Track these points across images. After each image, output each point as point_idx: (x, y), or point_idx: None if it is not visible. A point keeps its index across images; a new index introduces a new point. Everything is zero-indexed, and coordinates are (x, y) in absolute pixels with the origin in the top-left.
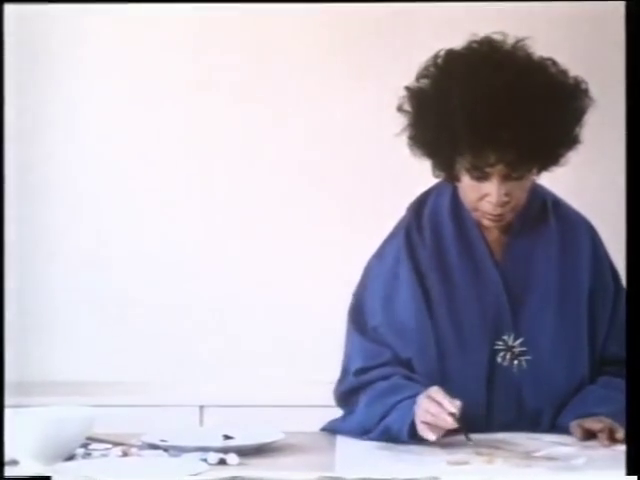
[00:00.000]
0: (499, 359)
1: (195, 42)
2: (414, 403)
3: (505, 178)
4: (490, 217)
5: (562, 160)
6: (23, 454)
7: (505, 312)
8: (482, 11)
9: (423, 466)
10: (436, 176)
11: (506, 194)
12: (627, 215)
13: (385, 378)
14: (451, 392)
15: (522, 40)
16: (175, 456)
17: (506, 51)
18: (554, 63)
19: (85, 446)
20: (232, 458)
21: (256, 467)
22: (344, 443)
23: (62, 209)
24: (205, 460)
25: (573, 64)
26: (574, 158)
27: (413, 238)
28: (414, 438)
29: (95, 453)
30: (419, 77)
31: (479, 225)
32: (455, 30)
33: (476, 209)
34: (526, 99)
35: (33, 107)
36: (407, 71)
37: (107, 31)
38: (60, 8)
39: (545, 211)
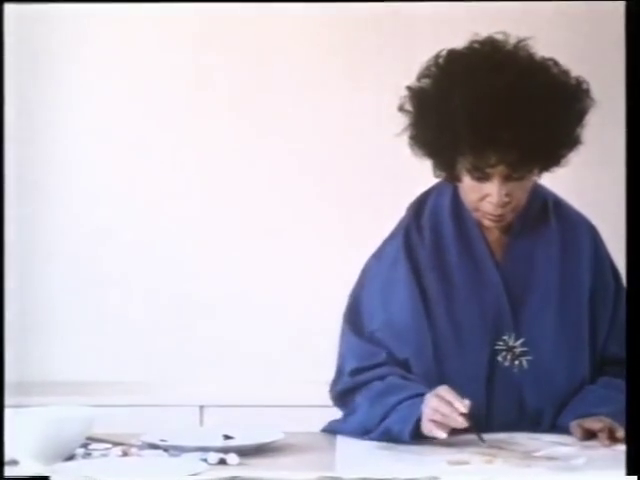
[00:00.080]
0: (499, 359)
1: (195, 42)
2: (415, 404)
3: (506, 178)
4: (491, 217)
5: (563, 161)
6: (23, 454)
7: (505, 312)
8: (482, 11)
9: (423, 466)
10: (437, 176)
11: (507, 194)
12: (627, 215)
13: (381, 378)
14: None
15: (524, 40)
16: (175, 456)
17: (508, 51)
18: (556, 63)
19: (85, 446)
20: (232, 458)
21: (256, 467)
22: (344, 443)
23: (62, 209)
24: (205, 460)
25: (573, 64)
26: (574, 158)
27: (412, 238)
28: (417, 438)
29: (95, 453)
30: (420, 77)
31: (479, 225)
32: (456, 30)
33: (477, 209)
34: (527, 99)
35: (33, 107)
36: (408, 71)
37: (107, 31)
38: (60, 8)
39: (546, 211)
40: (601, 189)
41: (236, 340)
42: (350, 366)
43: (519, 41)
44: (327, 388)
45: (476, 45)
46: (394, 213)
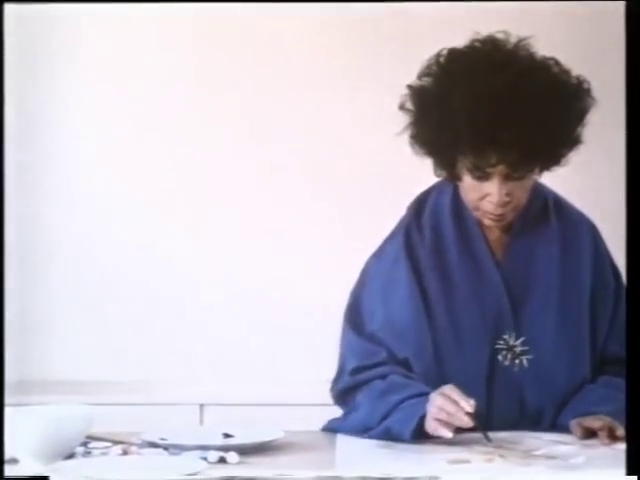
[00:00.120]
0: (500, 358)
1: (194, 42)
2: (418, 403)
3: (506, 178)
4: (491, 217)
5: (563, 160)
6: (23, 453)
7: (506, 311)
8: (483, 10)
9: (423, 465)
10: (437, 175)
11: (507, 194)
12: (627, 214)
13: (382, 377)
14: None
15: (524, 39)
16: (175, 454)
17: (508, 50)
18: (557, 63)
19: (85, 445)
20: (232, 457)
21: (256, 466)
22: (344, 442)
23: (62, 209)
24: (205, 459)
25: (573, 63)
26: (574, 157)
27: (413, 237)
28: (419, 438)
29: (95, 452)
30: (421, 75)
31: (480, 224)
32: (457, 29)
33: (477, 209)
34: (528, 99)
35: (33, 107)
36: (409, 70)
37: (107, 31)
38: (60, 8)
39: (546, 210)
40: (601, 188)
41: (236, 339)
42: (351, 365)
43: (520, 40)
44: (327, 387)
45: (477, 44)
46: (394, 212)
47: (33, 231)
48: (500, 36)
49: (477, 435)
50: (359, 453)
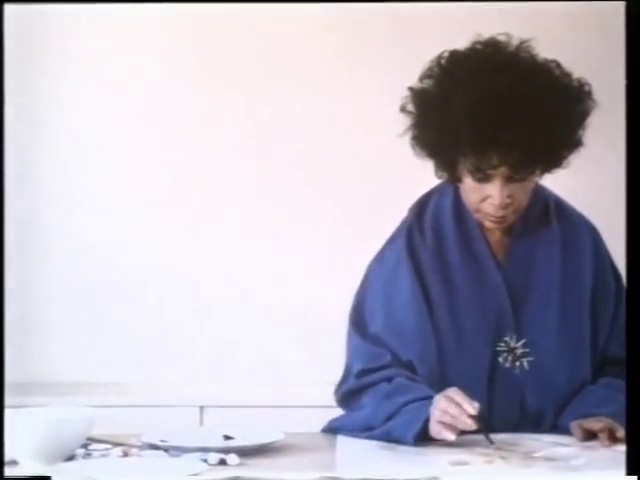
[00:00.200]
0: (501, 360)
1: (195, 42)
2: (422, 406)
3: (507, 180)
4: (492, 219)
5: (564, 162)
6: (23, 454)
7: (507, 313)
8: (483, 12)
9: (424, 466)
10: (439, 177)
11: (508, 196)
12: (627, 216)
13: (388, 380)
14: None
15: (526, 41)
16: (175, 456)
17: (510, 52)
18: (558, 65)
19: (85, 446)
20: (232, 458)
21: (256, 467)
22: (344, 443)
23: (61, 210)
24: (205, 460)
25: (573, 65)
26: (575, 159)
27: (414, 239)
28: (422, 441)
29: (95, 453)
30: (422, 78)
31: (481, 226)
32: (458, 31)
33: (478, 210)
34: (529, 101)
35: (33, 107)
36: (410, 72)
37: (107, 31)
38: (60, 8)
39: (547, 212)
40: (602, 190)
41: (236, 340)
42: (356, 367)
43: (521, 42)
44: (328, 388)
45: (478, 46)
46: (396, 214)
47: (33, 231)
48: (501, 38)
49: (478, 437)
50: (359, 455)
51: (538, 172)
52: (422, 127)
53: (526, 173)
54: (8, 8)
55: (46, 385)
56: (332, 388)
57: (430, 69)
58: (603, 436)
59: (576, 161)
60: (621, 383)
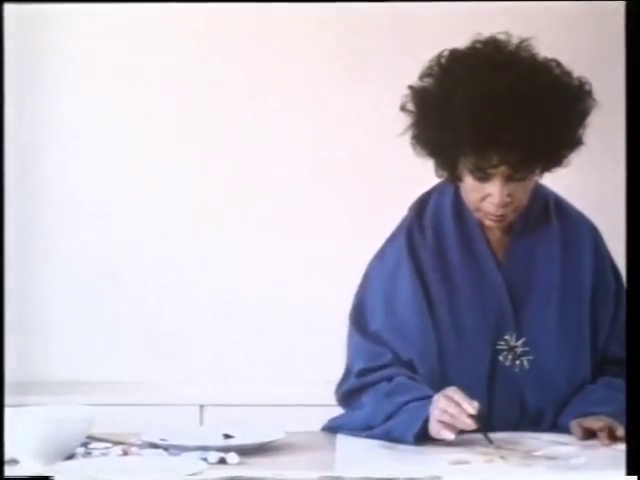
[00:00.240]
0: (501, 359)
1: (196, 43)
2: (422, 406)
3: (508, 179)
4: (492, 218)
5: (565, 161)
6: (23, 453)
7: (507, 312)
8: (483, 11)
9: (424, 465)
10: (439, 176)
11: (508, 195)
12: (627, 215)
13: (388, 379)
14: None
15: (526, 40)
16: (175, 455)
17: (510, 51)
18: (558, 64)
19: (85, 445)
20: (232, 457)
21: (256, 466)
22: (344, 442)
23: (61, 209)
24: (205, 459)
25: (572, 64)
26: (575, 158)
27: (415, 238)
28: (422, 441)
29: (95, 452)
30: (422, 76)
31: (481, 225)
32: (458, 30)
33: (478, 209)
34: (530, 100)
35: (33, 107)
36: (410, 71)
37: (107, 31)
38: (60, 8)
39: (547, 211)
40: (602, 189)
41: (236, 340)
42: (357, 367)
43: (521, 41)
44: (328, 387)
45: (478, 45)
46: (396, 213)
47: (33, 231)
48: (502, 37)
49: (478, 436)
50: (359, 453)
51: (538, 171)
52: (422, 126)
53: (526, 172)
54: (8, 8)
55: (46, 384)
56: (332, 387)
57: (430, 68)
58: (603, 435)
59: (576, 160)
60: (621, 382)
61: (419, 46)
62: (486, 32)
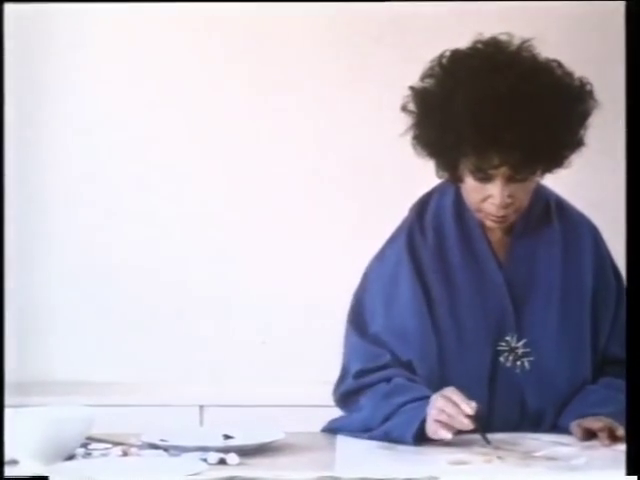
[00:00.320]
0: (502, 360)
1: (197, 43)
2: (420, 406)
3: (509, 180)
4: (493, 218)
5: (566, 162)
6: (23, 454)
7: (508, 313)
8: (483, 11)
9: (423, 466)
10: (440, 176)
11: (509, 196)
12: (627, 215)
13: (386, 380)
14: None
15: (528, 41)
16: (175, 456)
17: (511, 52)
18: (560, 65)
19: (85, 446)
20: (232, 458)
21: (256, 467)
22: (344, 443)
23: (61, 209)
24: (205, 460)
25: (572, 64)
26: (576, 159)
27: (415, 239)
28: (420, 441)
29: (95, 453)
30: (424, 77)
31: (482, 226)
32: (459, 30)
33: (479, 210)
34: (531, 101)
35: (33, 107)
36: (411, 71)
37: (107, 30)
38: (60, 7)
39: (548, 212)
40: (603, 190)
41: (236, 340)
42: (354, 368)
43: (523, 42)
44: (328, 388)
45: (480, 45)
46: (397, 213)
47: (33, 231)
48: (503, 38)
49: (477, 436)
50: (359, 454)
51: (539, 172)
52: (423, 127)
53: (527, 173)
54: (8, 8)
55: (46, 384)
56: (332, 388)
57: (431, 68)
58: (603, 435)
59: (577, 161)
60: (622, 383)
61: (420, 46)
62: (487, 32)
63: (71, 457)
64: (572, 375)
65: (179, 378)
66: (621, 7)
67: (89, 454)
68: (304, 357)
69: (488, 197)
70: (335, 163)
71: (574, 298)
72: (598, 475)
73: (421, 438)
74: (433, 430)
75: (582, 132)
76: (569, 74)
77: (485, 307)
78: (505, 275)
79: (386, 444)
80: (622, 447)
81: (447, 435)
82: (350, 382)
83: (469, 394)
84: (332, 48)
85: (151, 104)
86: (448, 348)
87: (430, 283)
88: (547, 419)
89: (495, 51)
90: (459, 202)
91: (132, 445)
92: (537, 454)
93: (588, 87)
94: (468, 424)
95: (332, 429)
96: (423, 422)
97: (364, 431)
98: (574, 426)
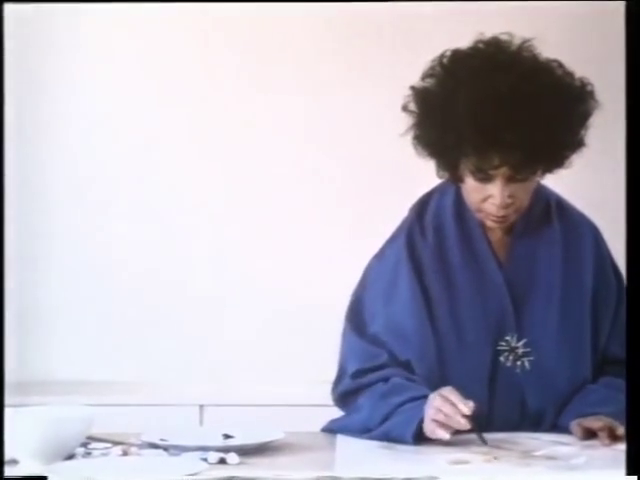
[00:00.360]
0: (502, 360)
1: (196, 43)
2: (419, 406)
3: (509, 180)
4: (494, 218)
5: (566, 162)
6: (23, 453)
7: (508, 313)
8: (483, 11)
9: (423, 465)
10: (440, 176)
11: (510, 196)
12: (627, 215)
13: (384, 380)
14: None
15: (528, 41)
16: (175, 455)
17: (512, 52)
18: (560, 65)
19: (85, 445)
20: (232, 457)
21: (256, 466)
22: (344, 442)
23: (61, 209)
24: (205, 459)
25: (572, 64)
26: (577, 159)
27: (415, 239)
28: (420, 440)
29: (95, 452)
30: (424, 76)
31: (482, 226)
32: (460, 30)
33: (479, 210)
34: (531, 101)
35: (33, 107)
36: (412, 71)
37: (107, 30)
38: (60, 7)
39: (549, 212)
40: (603, 190)
41: (236, 340)
42: (352, 368)
43: (524, 42)
44: (327, 387)
45: (481, 45)
46: (397, 213)
47: (33, 231)
48: (504, 37)
49: (476, 436)
50: (359, 454)
51: (540, 172)
52: (424, 127)
53: (528, 173)
54: (8, 8)
55: (46, 384)
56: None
57: (432, 68)
58: (603, 435)
59: (577, 161)
60: (622, 382)
61: (421, 46)
62: (488, 32)
63: (71, 457)
64: (572, 375)
65: (179, 378)
66: (621, 7)
67: (89, 454)
68: (304, 357)
69: (488, 197)
70: (335, 163)
71: (574, 298)
72: (598, 475)
73: (420, 437)
74: (431, 430)
75: (583, 132)
76: (570, 74)
77: (485, 307)
78: (505, 275)
79: (386, 444)
80: (622, 447)
81: (445, 435)
82: (348, 382)
83: (469, 394)
84: (332, 48)
85: (151, 104)
86: (448, 348)
87: (430, 283)
88: (547, 419)
89: (496, 51)
90: (459, 202)
91: (132, 445)
92: (537, 453)
93: (589, 87)
94: (465, 424)
95: (332, 430)
96: (422, 421)
97: (363, 432)
98: (574, 425)
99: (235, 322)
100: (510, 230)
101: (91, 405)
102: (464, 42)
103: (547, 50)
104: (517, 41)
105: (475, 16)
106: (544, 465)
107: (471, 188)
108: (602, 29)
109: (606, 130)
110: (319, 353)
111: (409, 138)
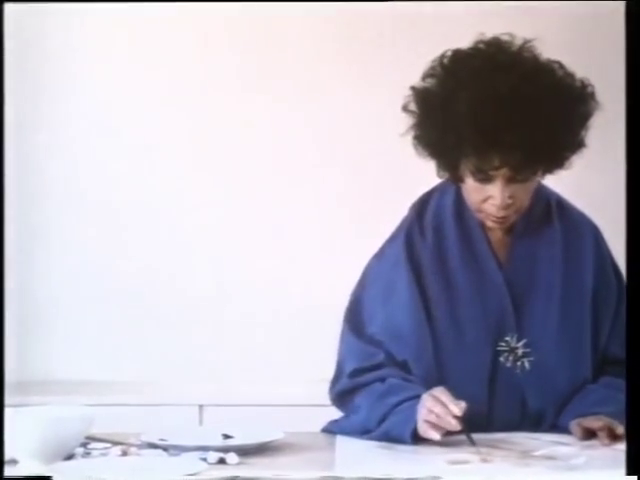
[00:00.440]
0: (502, 360)
1: (196, 43)
2: (413, 406)
3: (509, 181)
4: (494, 219)
5: (567, 163)
6: (23, 453)
7: (508, 313)
8: (484, 11)
9: (423, 465)
10: (440, 176)
11: (510, 197)
12: (627, 215)
13: (381, 380)
14: (452, 393)
15: (529, 41)
16: (175, 455)
17: (513, 52)
18: (561, 66)
19: (84, 445)
20: (232, 457)
21: (256, 466)
22: (344, 442)
23: (61, 209)
24: (205, 459)
25: (572, 64)
26: (577, 160)
27: (414, 238)
28: (418, 440)
29: (94, 452)
30: (425, 77)
31: (482, 226)
32: (460, 30)
33: (480, 210)
34: (532, 102)
35: (33, 107)
36: (413, 71)
37: (107, 30)
38: (60, 7)
39: (549, 212)
40: (603, 190)
41: (236, 340)
42: (349, 367)
43: (524, 42)
44: (327, 387)
45: (481, 46)
46: (396, 213)
47: (33, 231)
48: (505, 38)
49: (477, 436)
50: (359, 454)
51: (540, 173)
52: (424, 127)
53: (528, 174)
54: (8, 8)
55: (46, 384)
56: None
57: (433, 68)
58: (603, 435)
59: (577, 161)
60: (622, 382)
61: (421, 46)
62: (489, 32)
63: (71, 457)
64: (572, 375)
65: (179, 378)
66: (621, 7)
67: (89, 453)
68: (304, 357)
69: (489, 198)
70: (335, 163)
71: (574, 298)
72: (598, 475)
73: (419, 437)
74: (423, 430)
75: (583, 133)
76: (570, 75)
77: (485, 307)
78: (505, 275)
79: (385, 444)
80: (622, 446)
81: (436, 436)
82: (345, 381)
83: (469, 394)
84: (332, 48)
85: (151, 104)
86: (447, 348)
87: (428, 283)
88: (547, 419)
89: (497, 51)
90: (459, 201)
91: (132, 445)
92: (537, 453)
93: (589, 88)
94: (456, 425)
95: (331, 431)
96: (416, 424)
97: (363, 433)
98: (574, 425)
99: (235, 322)
100: (510, 230)
101: (91, 405)
102: (465, 42)
103: (546, 50)
104: (518, 41)
105: (476, 16)
106: (544, 465)
107: (471, 188)
108: (602, 29)
109: (606, 131)
110: (319, 353)
111: (409, 138)
